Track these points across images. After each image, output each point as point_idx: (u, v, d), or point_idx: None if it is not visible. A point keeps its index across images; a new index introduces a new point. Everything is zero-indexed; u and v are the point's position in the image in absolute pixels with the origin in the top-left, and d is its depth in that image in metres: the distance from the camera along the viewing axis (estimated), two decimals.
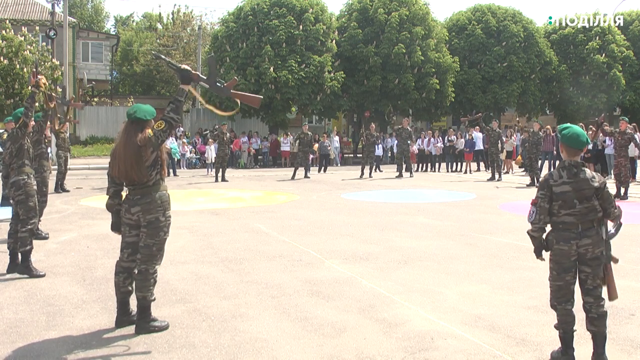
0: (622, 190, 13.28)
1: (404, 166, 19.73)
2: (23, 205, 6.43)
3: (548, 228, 4.00)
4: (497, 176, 18.51)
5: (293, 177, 18.75)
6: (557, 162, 20.94)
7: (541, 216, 3.92)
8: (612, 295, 3.89)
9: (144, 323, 4.56)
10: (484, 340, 4.36)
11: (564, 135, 3.94)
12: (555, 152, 21.05)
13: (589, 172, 3.88)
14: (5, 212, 11.16)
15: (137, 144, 4.42)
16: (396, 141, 22.27)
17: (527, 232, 4.04)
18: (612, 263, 3.91)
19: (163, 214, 4.54)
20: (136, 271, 4.60)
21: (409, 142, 20.01)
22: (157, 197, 4.52)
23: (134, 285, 4.66)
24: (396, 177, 19.34)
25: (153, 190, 4.52)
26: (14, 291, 5.73)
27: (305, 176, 19.18)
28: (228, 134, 20.11)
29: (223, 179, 18.16)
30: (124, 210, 4.60)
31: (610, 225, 3.97)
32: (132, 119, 4.51)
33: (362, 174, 19.56)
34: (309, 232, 9.02)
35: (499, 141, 19.27)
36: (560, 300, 3.88)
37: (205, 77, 4.75)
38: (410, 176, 19.49)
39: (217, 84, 4.78)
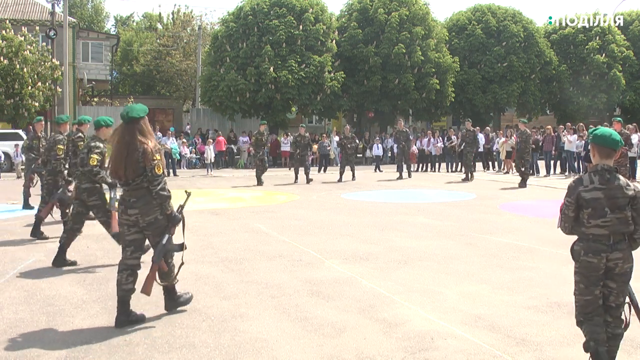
0: None
1: (404, 167, 19.30)
2: (101, 209, 6.85)
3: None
4: (470, 176, 18.03)
5: (296, 180, 17.98)
6: (558, 162, 20.94)
7: (566, 224, 3.66)
8: None
9: (172, 301, 4.99)
10: (484, 340, 4.36)
11: (595, 135, 3.63)
12: (554, 152, 21.06)
13: (623, 179, 3.57)
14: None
15: (133, 145, 4.59)
16: (395, 144, 21.63)
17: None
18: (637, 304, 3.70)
19: (161, 213, 4.70)
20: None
21: (409, 142, 19.46)
22: (153, 198, 4.65)
23: (135, 284, 4.80)
24: (397, 178, 18.79)
25: (148, 193, 4.65)
26: (14, 291, 5.73)
27: (307, 182, 17.69)
28: (266, 134, 18.65)
29: (259, 182, 17.13)
30: (120, 211, 4.77)
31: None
32: (127, 120, 4.69)
33: (349, 177, 18.46)
34: (309, 232, 9.02)
35: (475, 141, 18.83)
36: (588, 315, 3.60)
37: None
38: (409, 177, 19.11)
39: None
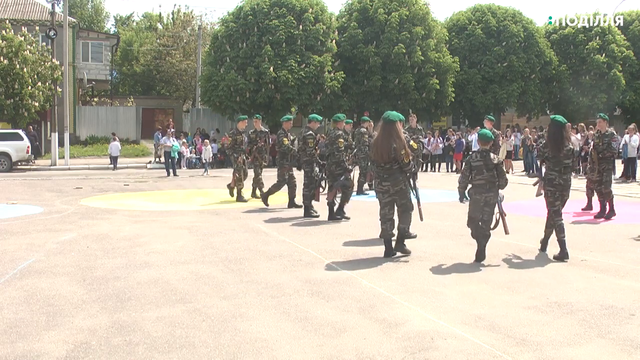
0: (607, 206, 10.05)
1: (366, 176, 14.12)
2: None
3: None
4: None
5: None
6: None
7: (465, 180, 6.97)
8: (506, 232, 6.94)
9: (401, 245, 7.15)
10: (484, 340, 4.36)
11: (479, 134, 7.09)
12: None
13: (492, 155, 6.86)
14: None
15: (388, 140, 6.87)
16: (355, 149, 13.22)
17: (458, 188, 7.11)
18: (504, 214, 6.93)
19: (404, 184, 7.05)
20: (401, 213, 7.13)
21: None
22: (400, 174, 6.99)
23: (394, 230, 7.14)
24: (356, 193, 13.25)
25: (395, 171, 6.98)
26: (14, 291, 5.73)
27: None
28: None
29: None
30: (377, 182, 7.15)
31: (500, 192, 6.94)
32: (387, 122, 7.00)
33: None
34: (309, 232, 9.02)
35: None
36: (472, 220, 6.96)
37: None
38: (369, 188, 14.19)
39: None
